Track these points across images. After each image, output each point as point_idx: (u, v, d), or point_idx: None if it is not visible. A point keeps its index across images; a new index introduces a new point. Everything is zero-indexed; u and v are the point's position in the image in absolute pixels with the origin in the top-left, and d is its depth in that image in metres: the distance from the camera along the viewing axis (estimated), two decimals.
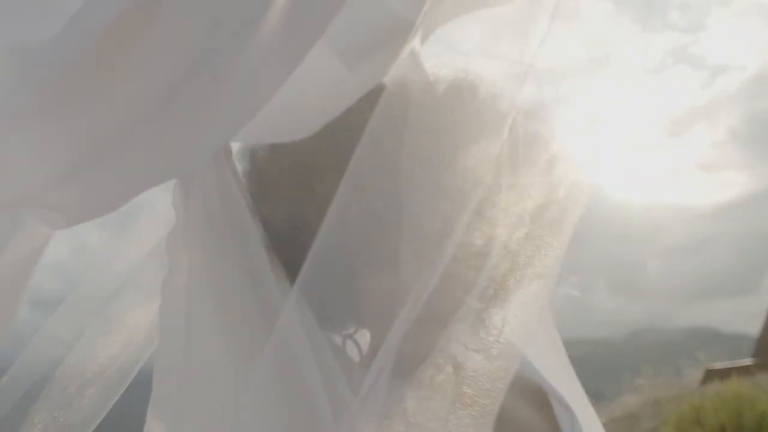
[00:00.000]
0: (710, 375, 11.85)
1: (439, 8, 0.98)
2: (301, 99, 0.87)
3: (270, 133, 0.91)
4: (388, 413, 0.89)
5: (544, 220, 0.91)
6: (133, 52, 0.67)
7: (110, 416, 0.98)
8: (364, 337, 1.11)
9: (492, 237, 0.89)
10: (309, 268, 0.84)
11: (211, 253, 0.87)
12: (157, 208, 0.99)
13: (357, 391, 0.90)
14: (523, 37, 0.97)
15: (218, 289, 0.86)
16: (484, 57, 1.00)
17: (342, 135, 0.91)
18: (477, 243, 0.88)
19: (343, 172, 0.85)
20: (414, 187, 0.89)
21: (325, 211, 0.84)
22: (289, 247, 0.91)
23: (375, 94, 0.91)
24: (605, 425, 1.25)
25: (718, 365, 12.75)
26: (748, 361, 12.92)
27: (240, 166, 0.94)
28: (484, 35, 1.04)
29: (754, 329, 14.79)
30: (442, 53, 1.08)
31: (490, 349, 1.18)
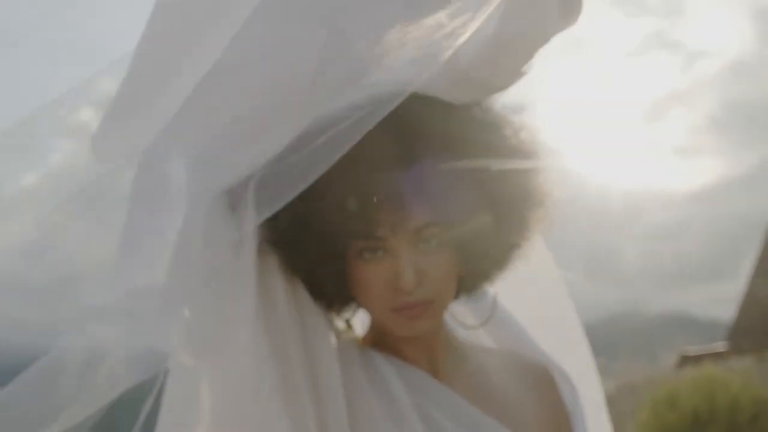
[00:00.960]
0: (685, 360, 12.00)
1: None
2: None
3: None
4: None
5: None
6: None
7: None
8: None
9: None
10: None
11: None
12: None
13: (349, 366, 1.02)
14: None
15: None
16: None
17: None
18: None
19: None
20: None
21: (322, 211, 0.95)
22: (292, 244, 0.99)
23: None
24: None
25: (693, 350, 12.91)
26: (722, 347, 13.08)
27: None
28: None
29: (728, 315, 14.96)
30: None
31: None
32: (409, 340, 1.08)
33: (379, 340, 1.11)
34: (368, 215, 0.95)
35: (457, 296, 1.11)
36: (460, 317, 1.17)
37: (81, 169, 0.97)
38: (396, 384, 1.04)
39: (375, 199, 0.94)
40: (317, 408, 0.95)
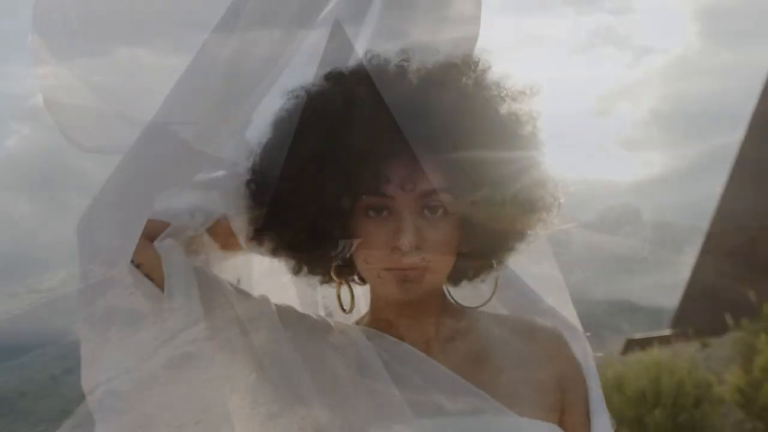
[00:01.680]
0: (631, 344, 12.21)
1: None
2: None
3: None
4: None
5: None
6: None
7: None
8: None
9: None
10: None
11: None
12: (87, 179, 1.00)
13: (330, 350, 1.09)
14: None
15: None
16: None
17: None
18: None
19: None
20: None
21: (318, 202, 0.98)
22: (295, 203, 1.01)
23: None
24: None
25: (639, 335, 13.15)
26: (667, 332, 13.35)
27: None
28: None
29: (672, 302, 15.26)
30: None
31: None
32: (402, 315, 1.10)
33: (375, 317, 1.14)
34: (379, 171, 0.96)
35: (458, 283, 1.14)
36: (464, 300, 1.18)
37: (37, 153, 0.99)
38: (377, 365, 1.05)
39: (388, 156, 0.96)
40: (293, 410, 1.03)
